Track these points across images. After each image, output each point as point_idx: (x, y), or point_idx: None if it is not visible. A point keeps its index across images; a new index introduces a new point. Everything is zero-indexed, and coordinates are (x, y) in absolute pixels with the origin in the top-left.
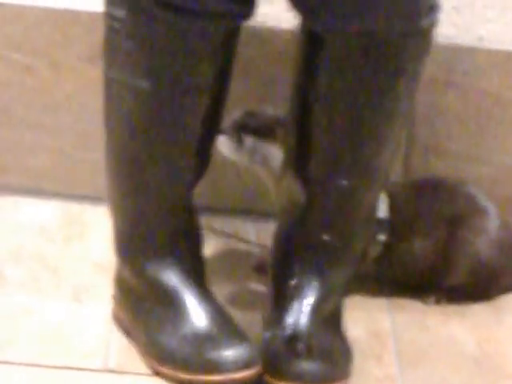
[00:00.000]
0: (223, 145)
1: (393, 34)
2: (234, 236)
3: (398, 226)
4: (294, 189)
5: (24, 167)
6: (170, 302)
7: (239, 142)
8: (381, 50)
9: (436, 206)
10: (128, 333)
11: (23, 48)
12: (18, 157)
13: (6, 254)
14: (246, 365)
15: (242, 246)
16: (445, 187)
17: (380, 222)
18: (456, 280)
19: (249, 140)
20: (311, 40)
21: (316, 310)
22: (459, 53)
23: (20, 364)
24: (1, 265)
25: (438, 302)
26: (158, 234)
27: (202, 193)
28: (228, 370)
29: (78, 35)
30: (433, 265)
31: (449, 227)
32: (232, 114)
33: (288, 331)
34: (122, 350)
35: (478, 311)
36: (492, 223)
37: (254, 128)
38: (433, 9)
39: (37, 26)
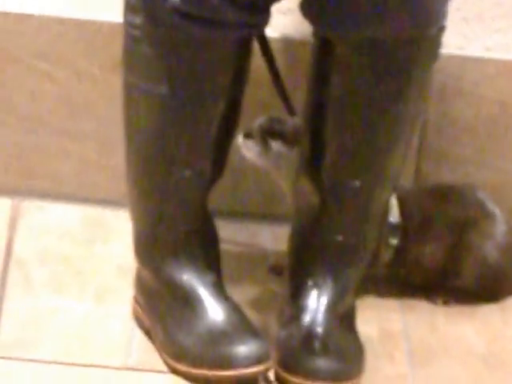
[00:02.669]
0: (248, 149)
1: (401, 40)
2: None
3: (409, 231)
4: (308, 191)
5: (49, 172)
6: (185, 301)
7: (265, 146)
8: (389, 55)
9: (446, 211)
10: (147, 332)
11: (48, 57)
12: (43, 162)
13: (31, 257)
14: (258, 360)
15: (257, 249)
16: (454, 193)
17: (392, 226)
18: (464, 283)
19: (274, 145)
20: (323, 46)
21: (331, 308)
22: (468, 63)
23: (45, 362)
24: (27, 267)
25: (445, 302)
26: (175, 236)
27: (218, 197)
28: (240, 366)
29: (101, 45)
30: (442, 268)
31: (458, 232)
32: (257, 120)
33: (304, 330)
34: (142, 349)
35: (486, 312)
36: (499, 228)
37: (280, 133)
38: (440, 16)
39: (61, 36)
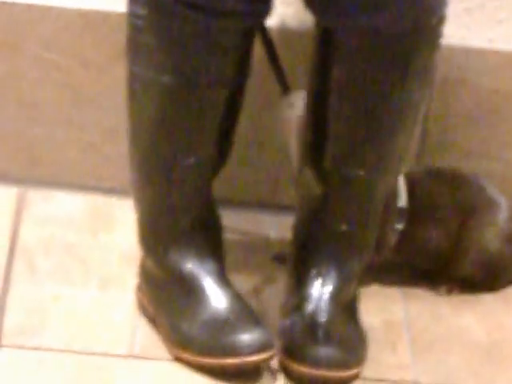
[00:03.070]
0: (290, 105)
1: (402, 30)
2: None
3: (415, 215)
4: (311, 180)
5: (54, 161)
6: (189, 290)
7: None
8: (391, 45)
9: (451, 197)
10: (152, 320)
11: (54, 47)
12: (49, 151)
13: (36, 245)
14: (261, 348)
15: (261, 238)
16: (460, 178)
17: (398, 211)
18: (465, 269)
19: None
20: (324, 36)
21: (335, 297)
22: (471, 53)
23: (49, 350)
24: (32, 255)
25: (449, 291)
26: (178, 225)
27: (223, 186)
28: (243, 354)
29: (107, 35)
30: (445, 253)
31: (461, 217)
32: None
33: (307, 318)
34: (146, 337)
35: (488, 301)
36: (502, 216)
37: None
38: (440, 6)
39: (67, 26)
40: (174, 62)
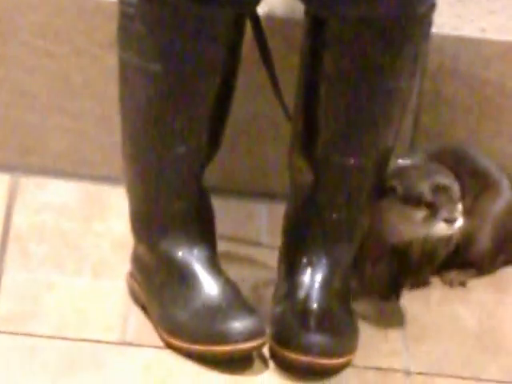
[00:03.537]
0: None
1: (392, 18)
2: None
3: None
4: (302, 169)
5: (47, 149)
6: (181, 277)
7: None
8: (380, 33)
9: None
10: (144, 307)
11: (47, 35)
12: (42, 139)
13: (29, 232)
14: (252, 336)
15: (253, 226)
16: (460, 157)
17: None
18: (481, 248)
19: None
20: (314, 24)
21: (326, 285)
22: (464, 43)
23: (42, 336)
24: (25, 242)
25: (462, 283)
26: (170, 212)
27: (214, 175)
28: (235, 341)
29: (100, 23)
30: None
31: (472, 197)
32: None
33: (299, 306)
34: (138, 324)
35: (479, 290)
36: (506, 194)
37: None
38: None
39: (60, 13)
40: (164, 50)
